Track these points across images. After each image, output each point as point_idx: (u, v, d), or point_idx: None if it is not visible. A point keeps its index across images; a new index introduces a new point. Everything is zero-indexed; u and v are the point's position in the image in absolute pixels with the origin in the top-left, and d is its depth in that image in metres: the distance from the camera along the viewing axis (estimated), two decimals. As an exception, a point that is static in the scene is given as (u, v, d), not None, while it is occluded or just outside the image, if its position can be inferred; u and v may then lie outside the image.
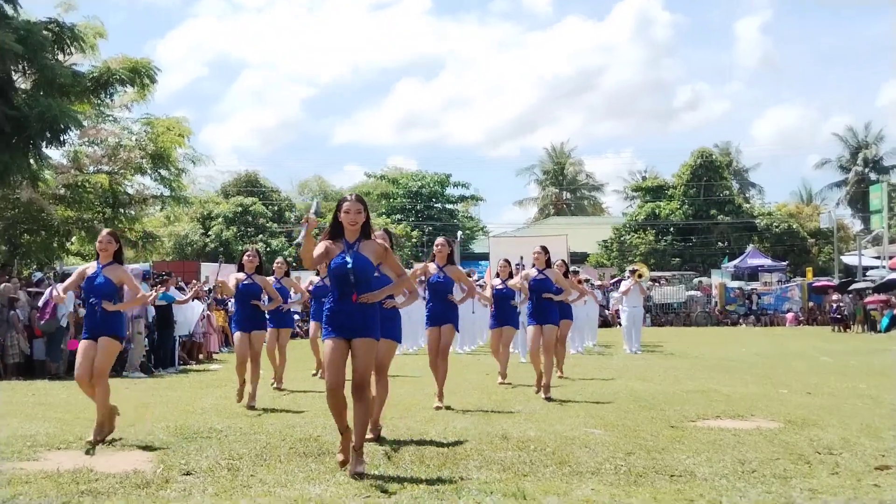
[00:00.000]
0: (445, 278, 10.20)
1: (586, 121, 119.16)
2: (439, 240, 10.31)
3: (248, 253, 10.86)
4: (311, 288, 13.83)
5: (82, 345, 7.97)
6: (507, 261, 13.26)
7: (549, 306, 11.21)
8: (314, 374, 14.03)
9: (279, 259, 13.40)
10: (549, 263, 11.44)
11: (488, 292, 12.65)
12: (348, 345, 6.45)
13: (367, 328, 6.47)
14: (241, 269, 10.78)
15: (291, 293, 13.71)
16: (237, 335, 10.76)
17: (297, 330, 24.39)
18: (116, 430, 7.94)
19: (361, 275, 6.44)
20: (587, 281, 21.61)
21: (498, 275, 13.03)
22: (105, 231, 8.40)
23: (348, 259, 6.42)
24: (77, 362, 7.98)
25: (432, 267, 10.25)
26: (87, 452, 7.19)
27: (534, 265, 11.40)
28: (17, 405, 10.65)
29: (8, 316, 14.92)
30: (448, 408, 9.76)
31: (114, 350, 8.03)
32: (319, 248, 6.58)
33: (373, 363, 6.82)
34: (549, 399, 10.66)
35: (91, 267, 8.24)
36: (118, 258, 8.23)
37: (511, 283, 12.29)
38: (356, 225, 6.51)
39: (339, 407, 6.43)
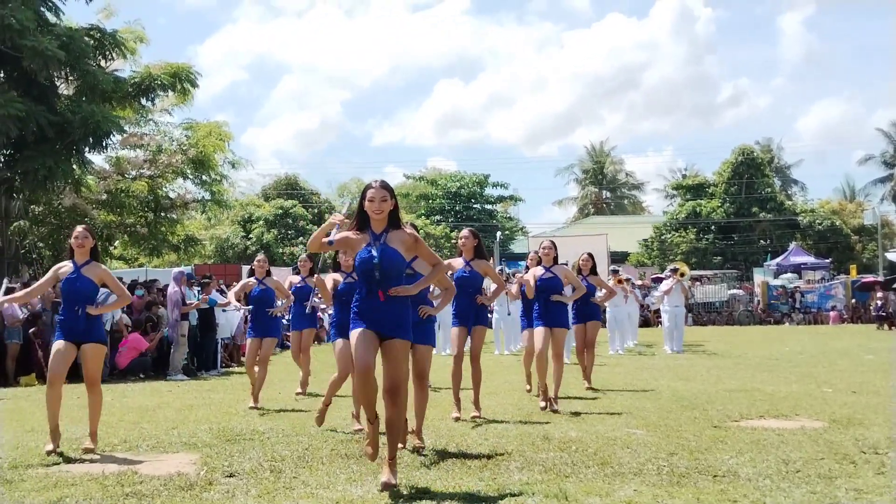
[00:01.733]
0: (472, 273, 9.30)
1: (627, 119, 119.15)
2: (463, 232, 9.46)
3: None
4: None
5: (59, 346, 7.52)
6: (537, 253, 11.78)
7: (558, 307, 10.22)
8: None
9: (260, 256, 11.77)
10: (556, 260, 10.46)
11: (515, 289, 11.53)
12: (378, 338, 5.92)
13: (400, 328, 5.94)
14: (336, 268, 8.91)
15: (277, 296, 11.47)
16: (340, 342, 8.43)
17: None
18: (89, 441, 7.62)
19: (389, 269, 5.88)
20: (627, 280, 21.39)
21: (527, 269, 11.97)
22: (80, 226, 7.89)
23: (374, 253, 5.86)
24: (53, 362, 7.54)
25: (458, 262, 9.32)
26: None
27: (540, 262, 10.56)
28: (64, 408, 10.62)
29: (52, 320, 15.11)
30: (484, 420, 9.20)
31: (102, 355, 7.77)
32: (336, 235, 6.03)
33: (406, 366, 6.18)
34: (555, 411, 9.68)
35: (66, 266, 7.75)
36: (95, 255, 7.81)
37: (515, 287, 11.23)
38: (382, 213, 5.95)
39: (370, 392, 5.93)
